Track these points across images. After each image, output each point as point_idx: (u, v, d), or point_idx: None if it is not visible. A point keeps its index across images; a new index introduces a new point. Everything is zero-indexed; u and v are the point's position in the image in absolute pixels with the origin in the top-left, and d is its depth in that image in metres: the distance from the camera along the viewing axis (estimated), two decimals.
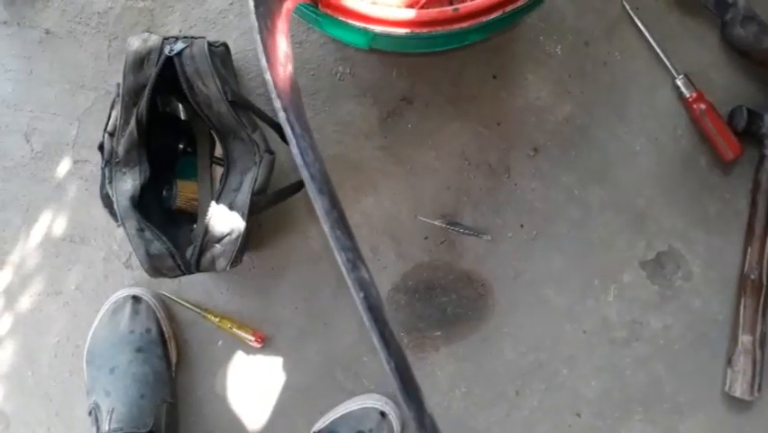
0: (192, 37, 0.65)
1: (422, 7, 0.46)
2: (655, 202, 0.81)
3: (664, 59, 0.78)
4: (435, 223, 0.81)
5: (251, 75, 0.80)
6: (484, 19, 0.46)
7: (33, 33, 0.79)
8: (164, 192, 0.76)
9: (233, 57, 0.78)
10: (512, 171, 0.81)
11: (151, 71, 0.63)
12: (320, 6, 0.46)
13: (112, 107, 0.66)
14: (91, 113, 0.80)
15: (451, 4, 0.46)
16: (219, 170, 0.79)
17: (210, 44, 0.67)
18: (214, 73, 0.64)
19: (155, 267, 0.66)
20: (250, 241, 0.77)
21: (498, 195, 0.81)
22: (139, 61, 0.64)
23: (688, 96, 0.77)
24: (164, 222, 0.74)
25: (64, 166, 0.81)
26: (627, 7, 0.78)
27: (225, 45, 0.74)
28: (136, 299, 0.80)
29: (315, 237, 0.81)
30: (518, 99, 0.80)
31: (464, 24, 0.46)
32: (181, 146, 0.78)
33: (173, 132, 0.77)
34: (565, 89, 0.80)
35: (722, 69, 0.79)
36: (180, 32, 0.79)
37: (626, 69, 0.79)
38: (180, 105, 0.77)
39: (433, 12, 0.46)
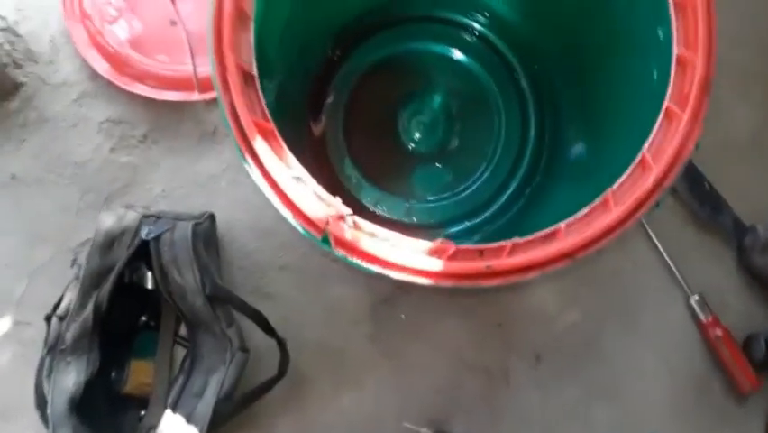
0: (176, 218, 0.58)
1: (450, 258, 0.39)
2: (665, 427, 0.73)
3: (678, 275, 0.73)
4: (422, 431, 0.71)
5: (234, 246, 0.72)
6: (517, 279, 0.40)
7: None
8: (114, 373, 0.65)
9: (218, 224, 0.71)
10: (511, 378, 0.73)
11: (121, 255, 0.55)
12: (333, 246, 0.39)
13: (66, 288, 0.57)
14: (46, 270, 0.71)
15: (481, 255, 0.40)
16: (181, 351, 0.69)
17: (195, 223, 0.59)
18: (194, 263, 0.56)
19: None
20: None
21: (494, 403, 0.73)
22: (109, 242, 0.55)
23: (703, 319, 0.72)
24: (108, 407, 0.63)
25: (2, 326, 0.70)
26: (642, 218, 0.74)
27: (211, 217, 0.67)
28: None
29: None
30: (522, 302, 0.74)
31: (494, 282, 0.40)
32: (143, 319, 0.69)
33: (136, 302, 0.68)
34: (573, 296, 0.74)
35: (739, 293, 0.75)
36: (164, 191, 0.72)
37: (639, 281, 0.74)
38: (149, 274, 0.68)
39: (463, 266, 0.39)
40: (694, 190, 0.74)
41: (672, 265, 0.74)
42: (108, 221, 0.56)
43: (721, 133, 0.78)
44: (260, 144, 0.40)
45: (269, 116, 0.41)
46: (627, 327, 0.74)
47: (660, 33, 0.45)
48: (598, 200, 0.41)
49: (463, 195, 0.73)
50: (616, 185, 0.42)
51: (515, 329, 0.74)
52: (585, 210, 0.41)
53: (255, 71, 0.41)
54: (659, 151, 0.42)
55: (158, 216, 0.57)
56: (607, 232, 0.41)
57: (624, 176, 0.42)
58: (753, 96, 0.79)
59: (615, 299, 0.75)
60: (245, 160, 0.40)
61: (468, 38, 0.72)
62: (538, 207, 0.68)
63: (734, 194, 0.75)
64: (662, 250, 0.74)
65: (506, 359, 0.73)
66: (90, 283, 0.55)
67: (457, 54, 0.73)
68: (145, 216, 0.57)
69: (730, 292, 0.75)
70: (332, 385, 0.71)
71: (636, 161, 0.42)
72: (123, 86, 0.72)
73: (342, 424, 0.70)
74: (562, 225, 0.41)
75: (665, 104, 0.42)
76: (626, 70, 0.54)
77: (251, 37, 0.42)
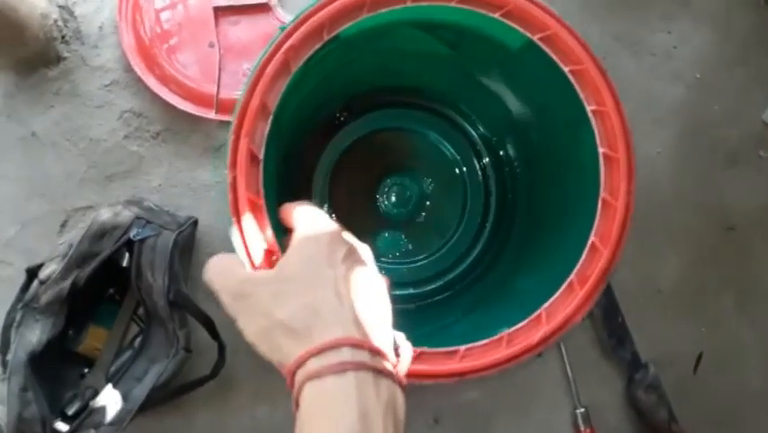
0: (162, 226, 0.66)
1: None
2: None
3: (573, 387, 0.84)
4: None
5: (208, 249, 0.81)
6: (414, 381, 0.49)
7: (19, 130, 0.79)
8: (71, 332, 0.73)
9: (199, 228, 0.79)
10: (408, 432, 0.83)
11: (108, 247, 0.64)
12: None
13: (53, 259, 0.66)
14: (38, 222, 0.79)
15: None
16: (134, 328, 0.78)
17: (179, 232, 0.68)
18: (167, 270, 0.65)
19: (21, 431, 0.62)
20: None
21: None
22: (100, 233, 0.64)
23: (582, 429, 0.83)
24: (57, 359, 0.71)
25: None
26: None
27: (195, 222, 0.76)
28: None
29: (199, 426, 0.79)
30: None
31: None
32: (111, 291, 0.77)
33: (107, 275, 0.76)
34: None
35: (618, 414, 0.85)
36: (160, 186, 0.80)
37: (539, 380, 0.85)
38: (126, 254, 0.77)
39: None
40: (607, 321, 0.84)
41: (570, 376, 0.84)
42: (105, 215, 0.65)
43: (647, 275, 0.88)
44: (247, 216, 0.49)
45: (261, 194, 0.50)
46: (517, 415, 0.84)
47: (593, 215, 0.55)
48: (495, 337, 0.51)
49: (416, 265, 0.83)
50: (512, 329, 0.51)
51: (422, 391, 0.84)
52: (484, 341, 0.51)
53: (261, 155, 0.50)
54: (554, 312, 0.51)
55: (148, 221, 0.66)
56: (496, 364, 0.51)
57: (519, 324, 0.51)
58: (682, 250, 0.89)
59: (514, 388, 0.85)
60: (232, 224, 0.49)
61: (460, 137, 0.82)
62: (470, 294, 0.78)
63: (641, 330, 0.86)
64: (566, 361, 0.84)
65: (408, 414, 0.83)
66: (75, 263, 0.64)
67: (447, 146, 0.82)
68: (138, 218, 0.66)
69: (611, 414, 0.85)
70: (252, 395, 0.80)
71: (534, 315, 0.52)
72: (149, 84, 0.79)
73: (252, 430, 0.80)
74: (462, 348, 0.51)
75: (570, 277, 0.52)
76: (567, 225, 0.64)
77: (266, 127, 0.51)
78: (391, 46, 0.67)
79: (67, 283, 0.64)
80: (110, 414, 0.64)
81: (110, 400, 0.65)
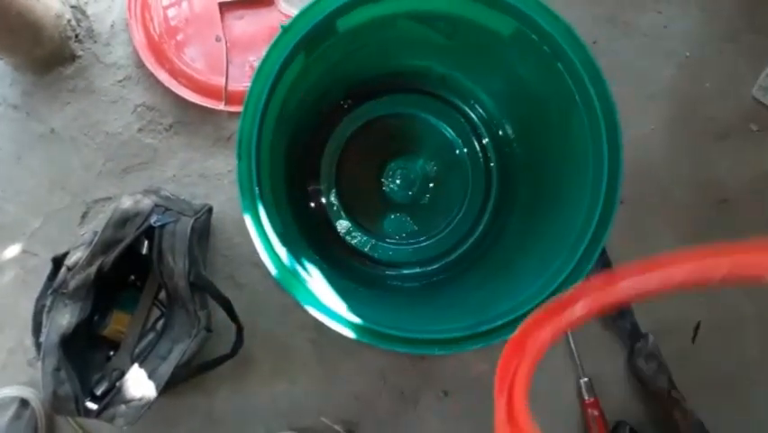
0: (181, 212, 0.70)
1: None
2: None
3: (577, 358, 0.87)
4: (336, 427, 0.85)
5: (223, 236, 0.85)
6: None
7: (38, 127, 0.83)
8: (96, 317, 0.77)
9: (213, 215, 0.83)
10: (420, 404, 0.87)
11: (130, 233, 0.67)
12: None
13: (78, 247, 0.69)
14: (59, 214, 0.82)
15: None
16: (156, 312, 0.81)
17: (196, 219, 0.71)
18: (187, 254, 0.68)
19: (56, 407, 0.66)
20: None
21: (400, 420, 0.86)
22: (123, 220, 0.68)
23: (586, 398, 0.86)
24: (84, 342, 0.75)
25: (11, 251, 0.82)
26: None
27: (210, 210, 0.79)
28: (24, 403, 0.79)
29: (220, 403, 0.83)
30: None
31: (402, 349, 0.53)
32: (132, 277, 0.81)
33: (129, 262, 0.80)
34: (489, 349, 0.88)
35: (621, 383, 0.89)
36: (174, 177, 0.84)
37: (546, 355, 0.88)
38: (146, 242, 0.80)
39: None
40: None
41: (573, 348, 0.88)
42: (127, 203, 0.68)
43: (644, 248, 0.91)
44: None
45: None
46: None
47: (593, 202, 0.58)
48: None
49: (421, 245, 0.86)
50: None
51: (434, 366, 0.87)
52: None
53: None
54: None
55: (167, 208, 0.70)
56: None
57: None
58: (678, 222, 0.92)
59: None
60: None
61: (461, 119, 0.85)
62: (473, 274, 0.82)
63: (641, 303, 0.89)
64: (569, 334, 0.88)
65: (420, 388, 0.87)
66: (100, 249, 0.67)
67: (448, 130, 0.86)
68: (157, 206, 0.69)
69: (614, 383, 0.89)
70: (271, 373, 0.84)
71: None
72: (160, 78, 0.83)
73: (271, 407, 0.84)
74: None
75: None
76: (559, 209, 0.67)
77: None
78: (391, 37, 0.70)
79: (93, 269, 0.67)
80: (138, 391, 0.68)
81: (137, 378, 0.68)
